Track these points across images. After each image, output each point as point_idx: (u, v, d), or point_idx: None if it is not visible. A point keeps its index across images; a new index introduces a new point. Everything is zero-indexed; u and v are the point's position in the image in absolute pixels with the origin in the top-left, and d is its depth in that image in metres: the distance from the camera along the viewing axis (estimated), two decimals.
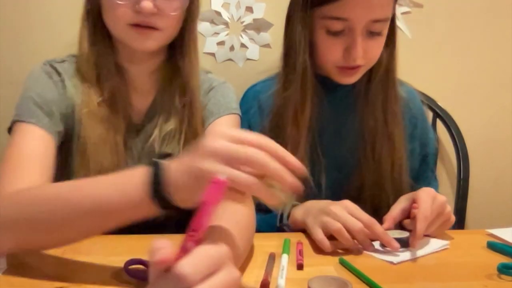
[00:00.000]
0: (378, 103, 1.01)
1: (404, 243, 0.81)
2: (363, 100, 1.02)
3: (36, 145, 0.84)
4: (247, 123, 1.04)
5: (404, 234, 0.82)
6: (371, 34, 0.93)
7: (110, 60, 0.91)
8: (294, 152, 0.96)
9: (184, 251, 0.48)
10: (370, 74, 1.00)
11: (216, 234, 0.63)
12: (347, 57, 0.93)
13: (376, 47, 0.95)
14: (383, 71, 1.00)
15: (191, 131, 0.94)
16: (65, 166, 0.95)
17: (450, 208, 0.88)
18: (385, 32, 0.95)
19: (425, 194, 0.85)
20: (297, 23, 0.95)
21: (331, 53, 0.95)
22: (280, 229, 0.92)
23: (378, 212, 0.89)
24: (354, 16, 0.89)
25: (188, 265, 0.47)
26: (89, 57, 0.91)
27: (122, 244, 0.83)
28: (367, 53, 0.93)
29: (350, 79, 0.98)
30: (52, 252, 0.78)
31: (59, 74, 0.93)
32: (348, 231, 0.79)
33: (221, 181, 0.49)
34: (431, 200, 0.84)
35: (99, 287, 0.67)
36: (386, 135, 1.01)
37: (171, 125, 0.95)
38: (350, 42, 0.92)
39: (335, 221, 0.79)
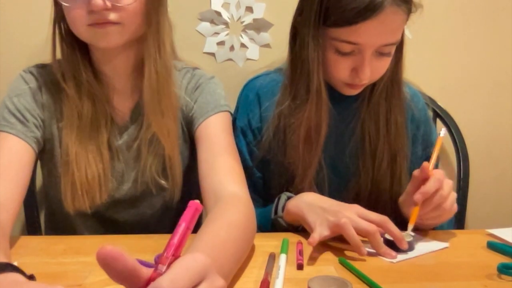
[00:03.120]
0: (381, 113, 1.00)
1: (409, 247, 0.81)
2: (366, 108, 1.01)
3: (10, 153, 0.83)
4: (246, 118, 1.03)
5: (409, 238, 0.83)
6: (381, 54, 0.92)
7: (85, 65, 0.90)
8: (305, 173, 0.97)
9: (158, 273, 0.46)
10: (375, 83, 0.99)
11: (198, 245, 0.63)
12: (354, 76, 0.93)
13: (384, 66, 0.95)
14: (388, 80, 0.99)
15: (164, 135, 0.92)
16: (52, 174, 0.95)
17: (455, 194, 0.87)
18: (393, 51, 0.94)
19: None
20: (309, 40, 0.93)
21: (338, 72, 0.93)
22: (274, 222, 0.92)
23: None
24: (365, 41, 0.88)
25: (166, 281, 0.44)
26: (62, 64, 0.90)
27: (121, 244, 0.83)
28: (374, 72, 0.93)
29: (354, 92, 0.98)
30: (52, 252, 0.79)
31: (36, 79, 0.93)
32: (362, 234, 0.80)
33: (200, 206, 0.49)
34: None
35: (99, 287, 0.67)
36: (388, 146, 1.00)
37: (157, 126, 0.92)
38: (359, 63, 0.91)
39: (344, 219, 0.79)
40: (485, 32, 1.39)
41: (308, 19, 0.93)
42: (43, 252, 0.78)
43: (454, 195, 0.86)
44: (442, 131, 0.91)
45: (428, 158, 1.07)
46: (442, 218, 0.87)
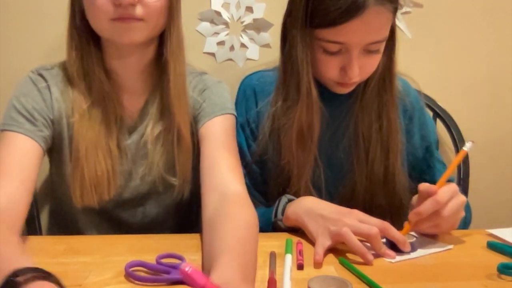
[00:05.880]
0: (373, 109, 1.00)
1: (412, 248, 0.81)
2: (359, 104, 1.01)
3: (19, 153, 0.83)
4: (244, 114, 1.04)
5: (411, 239, 0.83)
6: (369, 52, 0.92)
7: (97, 62, 0.90)
8: (300, 173, 0.97)
9: None
10: (367, 79, 0.99)
11: (222, 246, 0.65)
12: (343, 75, 0.93)
13: (373, 64, 0.95)
14: (381, 76, 0.99)
15: (182, 130, 0.94)
16: (60, 172, 0.96)
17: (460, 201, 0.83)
18: (382, 49, 0.94)
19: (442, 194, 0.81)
20: (298, 41, 0.93)
21: (327, 71, 0.94)
22: (274, 224, 0.92)
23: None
24: (350, 41, 0.89)
25: None
26: (75, 61, 0.91)
27: (122, 244, 0.83)
28: (363, 69, 0.93)
29: (346, 90, 0.98)
30: (52, 252, 0.79)
31: (45, 80, 0.93)
32: (364, 237, 0.80)
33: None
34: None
35: (99, 287, 0.67)
36: (380, 141, 1.01)
37: (163, 124, 0.94)
38: (347, 62, 0.91)
39: (346, 228, 0.79)
40: (485, 32, 1.39)
41: (296, 20, 0.93)
42: (43, 252, 0.78)
43: (457, 210, 0.83)
44: (468, 145, 0.87)
45: (427, 148, 1.06)
46: (440, 229, 0.85)
